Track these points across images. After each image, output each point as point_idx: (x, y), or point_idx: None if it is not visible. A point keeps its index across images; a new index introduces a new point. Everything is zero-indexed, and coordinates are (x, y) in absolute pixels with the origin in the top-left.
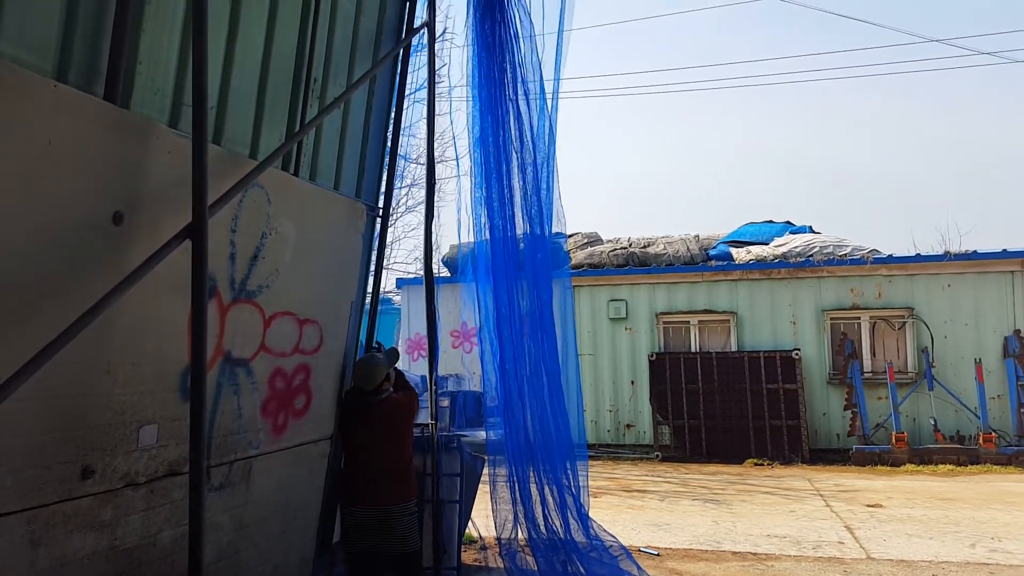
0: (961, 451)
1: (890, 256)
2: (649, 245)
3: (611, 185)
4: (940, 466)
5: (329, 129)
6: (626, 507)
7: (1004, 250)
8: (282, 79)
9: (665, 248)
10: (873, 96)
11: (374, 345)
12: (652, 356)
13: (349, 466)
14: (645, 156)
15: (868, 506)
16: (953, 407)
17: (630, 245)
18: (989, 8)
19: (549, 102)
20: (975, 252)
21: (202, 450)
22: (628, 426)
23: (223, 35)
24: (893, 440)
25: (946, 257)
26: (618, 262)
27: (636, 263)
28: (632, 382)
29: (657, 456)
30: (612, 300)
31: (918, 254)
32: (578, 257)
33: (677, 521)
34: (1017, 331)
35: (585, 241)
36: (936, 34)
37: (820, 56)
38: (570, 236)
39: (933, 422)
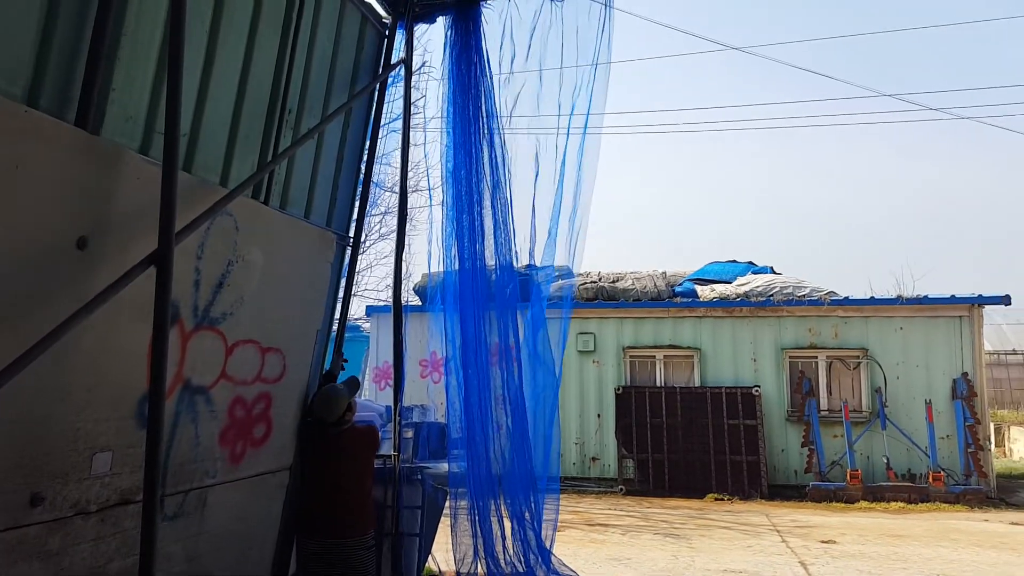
0: (912, 489)
1: (846, 298)
2: (618, 280)
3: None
4: (892, 503)
5: (302, 158)
6: (588, 541)
7: (953, 296)
8: (257, 109)
9: (633, 283)
10: (836, 144)
11: (343, 361)
12: (619, 389)
13: (307, 497)
14: (618, 192)
15: (822, 542)
16: (905, 446)
17: (600, 279)
18: (942, 70)
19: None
20: (926, 297)
21: (157, 478)
22: (593, 459)
23: (199, 64)
24: (848, 477)
25: (899, 301)
26: (588, 296)
27: (605, 297)
28: (598, 415)
29: (621, 490)
30: (581, 333)
31: (872, 297)
32: (548, 290)
33: (638, 555)
34: (964, 374)
35: (556, 274)
36: (891, 89)
37: (790, 104)
38: (542, 269)
39: (886, 460)
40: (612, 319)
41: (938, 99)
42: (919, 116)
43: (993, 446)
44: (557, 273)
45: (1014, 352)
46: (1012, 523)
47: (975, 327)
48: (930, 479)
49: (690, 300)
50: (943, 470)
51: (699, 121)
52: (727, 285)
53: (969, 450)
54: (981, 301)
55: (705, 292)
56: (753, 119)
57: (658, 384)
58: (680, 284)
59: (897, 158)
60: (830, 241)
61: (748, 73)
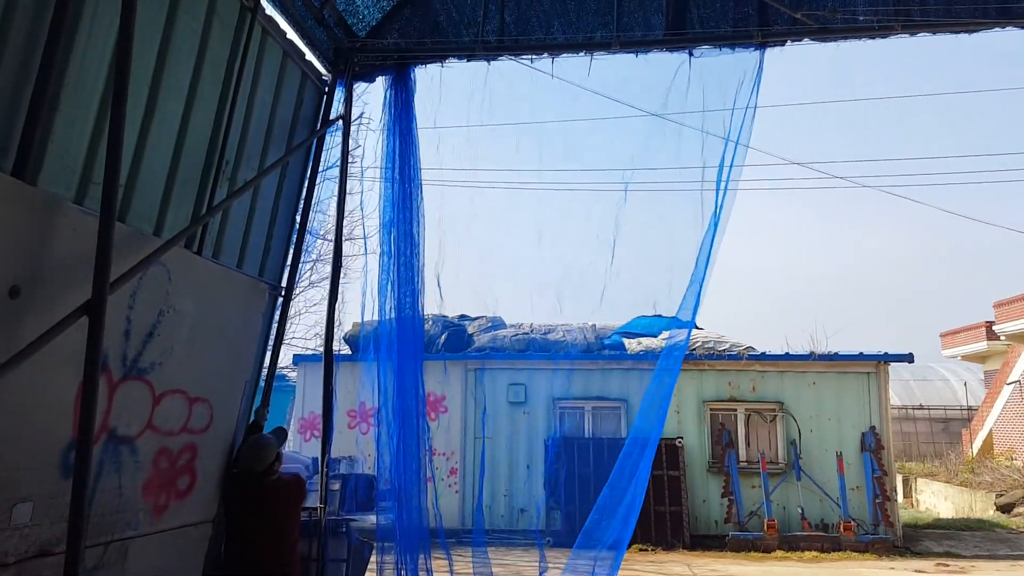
0: (825, 538)
1: (763, 353)
2: (549, 332)
3: (518, 271)
4: (806, 552)
5: (237, 209)
6: None
7: (861, 353)
8: (194, 160)
9: (564, 336)
10: (758, 208)
11: (252, 422)
12: (548, 441)
13: (230, 549)
14: (542, 246)
15: None
16: (818, 496)
17: (531, 331)
18: (847, 140)
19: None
20: (837, 354)
21: (82, 529)
22: (522, 511)
23: (139, 114)
24: (765, 527)
25: (811, 357)
26: (520, 347)
27: (537, 349)
28: (528, 466)
29: (548, 541)
30: (512, 384)
31: (787, 353)
32: (482, 340)
33: None
34: (872, 427)
35: (489, 324)
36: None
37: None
38: (475, 319)
39: (800, 510)
40: (543, 371)
41: (849, 168)
42: (830, 184)
43: (901, 497)
44: (490, 324)
45: (921, 407)
46: (916, 571)
47: (882, 383)
48: (841, 529)
49: (618, 353)
50: (853, 520)
51: (628, 180)
52: (653, 339)
53: (877, 501)
54: (887, 358)
55: (632, 345)
56: (676, 180)
57: (586, 435)
58: (609, 337)
59: (814, 223)
60: (750, 299)
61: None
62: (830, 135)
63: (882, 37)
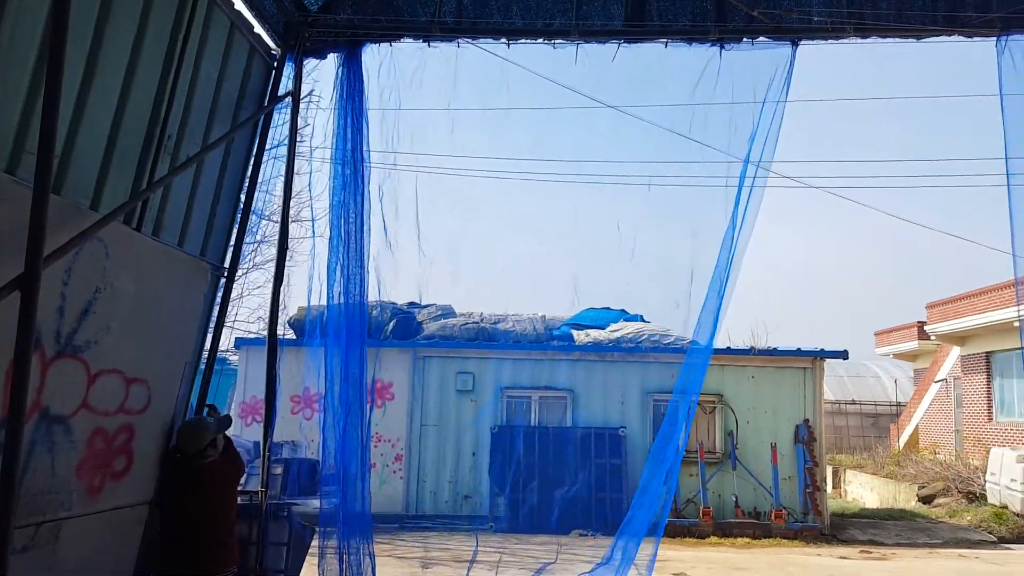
0: (757, 526)
1: None
2: (499, 321)
3: (472, 260)
4: (739, 539)
5: (179, 186)
6: None
7: (799, 349)
8: (134, 132)
9: (514, 325)
10: (708, 204)
11: (207, 407)
12: (494, 429)
13: (166, 532)
14: (495, 235)
15: (675, 574)
16: (752, 485)
17: (481, 320)
18: (798, 141)
19: None
20: (775, 349)
21: (11, 509)
22: (466, 497)
23: (76, 82)
24: (701, 514)
25: (751, 351)
26: (469, 336)
27: (486, 338)
28: (473, 454)
29: (491, 527)
30: (460, 372)
31: (728, 347)
32: (431, 328)
33: None
34: (806, 420)
35: (439, 313)
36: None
37: (670, 164)
38: (424, 307)
39: (735, 499)
40: (492, 359)
41: (800, 168)
42: (777, 183)
43: (830, 487)
44: (439, 312)
45: (853, 402)
46: (841, 557)
47: (817, 378)
48: (773, 516)
49: (566, 344)
50: (784, 508)
51: (583, 172)
52: (601, 331)
53: (807, 490)
54: (823, 355)
55: (580, 337)
56: (633, 175)
57: (532, 424)
58: (558, 328)
59: (763, 222)
60: (695, 295)
61: (630, 132)
62: (787, 135)
63: (835, 39)
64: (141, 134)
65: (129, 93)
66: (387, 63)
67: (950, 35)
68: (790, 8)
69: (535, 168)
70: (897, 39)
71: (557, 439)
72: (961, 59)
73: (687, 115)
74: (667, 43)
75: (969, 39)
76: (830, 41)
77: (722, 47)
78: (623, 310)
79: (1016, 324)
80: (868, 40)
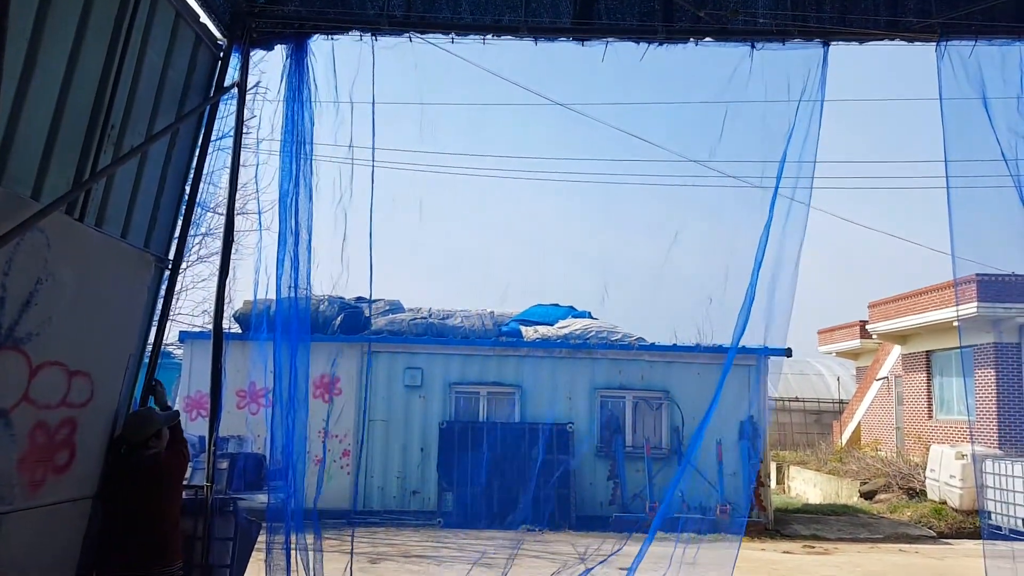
0: (703, 520)
1: (652, 344)
2: (448, 317)
3: (422, 255)
4: (684, 533)
5: (123, 176)
6: (404, 572)
7: (744, 347)
8: (77, 122)
9: (463, 321)
10: (652, 202)
11: (154, 381)
12: (443, 424)
13: (108, 526)
14: (443, 231)
15: (621, 568)
16: (698, 481)
17: (430, 316)
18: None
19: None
20: (721, 346)
21: None
22: (414, 492)
23: (17, 69)
24: (647, 509)
25: (697, 348)
26: (417, 331)
27: (435, 333)
28: (421, 449)
29: (439, 522)
30: (409, 368)
31: (675, 344)
32: (379, 323)
33: None
34: (751, 417)
35: (387, 308)
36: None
37: (615, 163)
38: (373, 302)
39: (681, 494)
40: (440, 355)
41: (747, 168)
42: (721, 183)
43: (774, 483)
44: (388, 307)
45: (796, 399)
46: (784, 551)
47: (762, 376)
48: (718, 512)
49: (515, 340)
50: (729, 504)
51: (525, 169)
52: (549, 327)
53: (752, 486)
54: (767, 353)
55: (529, 333)
56: (576, 172)
57: (481, 419)
58: (506, 324)
59: (703, 220)
60: (643, 291)
61: (574, 130)
62: (738, 135)
63: (780, 41)
64: (84, 124)
65: (72, 82)
66: (335, 56)
67: (892, 39)
68: (736, 10)
69: (490, 164)
70: (840, 42)
71: (505, 435)
72: (895, 63)
73: (638, 113)
74: (607, 43)
75: (910, 43)
76: (775, 43)
77: (826, 46)
78: (571, 307)
79: (955, 324)
80: (812, 43)
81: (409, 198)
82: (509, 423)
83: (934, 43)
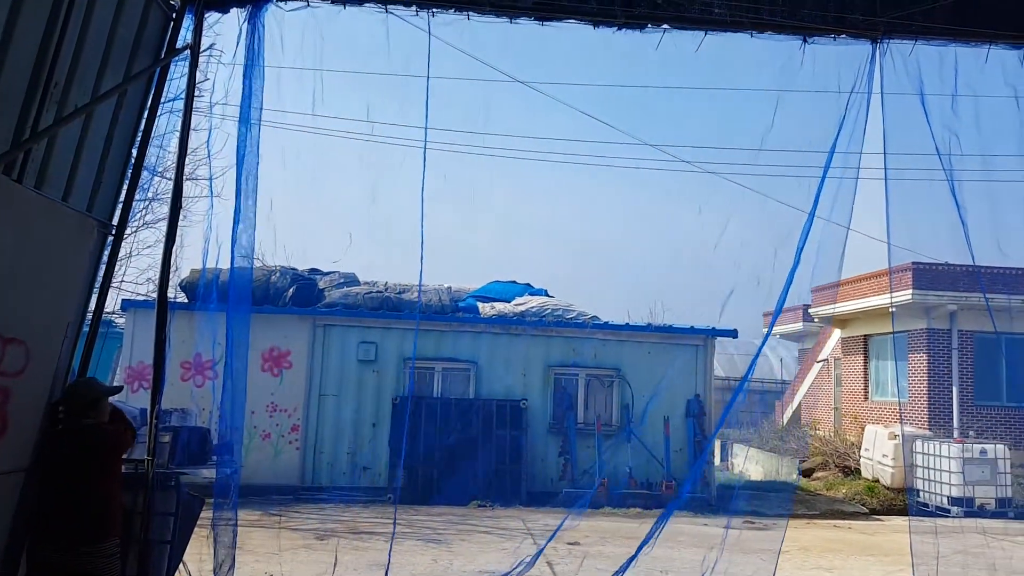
0: (648, 496)
1: (606, 323)
2: (404, 291)
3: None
4: (631, 508)
5: (66, 137)
6: (351, 548)
7: (692, 327)
8: (17, 78)
9: (419, 296)
10: (612, 184)
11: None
12: (396, 400)
13: (40, 500)
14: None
15: (569, 544)
16: (646, 457)
17: (386, 289)
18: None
19: None
20: (671, 326)
21: None
22: (365, 468)
23: None
24: (596, 485)
25: (648, 328)
26: (372, 305)
27: (390, 308)
28: (374, 425)
29: (389, 498)
30: (363, 342)
31: (627, 323)
32: (333, 296)
33: (399, 560)
34: (697, 395)
35: (342, 280)
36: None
37: (578, 143)
38: (327, 275)
39: (629, 470)
40: (395, 329)
41: (693, 153)
42: (676, 167)
43: (718, 460)
44: (342, 280)
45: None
46: (726, 527)
47: (708, 355)
48: (664, 487)
49: (471, 316)
50: (675, 480)
51: (493, 146)
52: (506, 304)
53: (697, 462)
54: (714, 333)
55: (486, 309)
56: (542, 151)
57: (435, 396)
58: (463, 300)
59: (659, 202)
60: (598, 271)
61: (539, 109)
62: (699, 122)
63: (733, 31)
64: (25, 80)
65: (12, 36)
66: (295, 22)
67: (839, 35)
68: None
69: (447, 139)
70: (790, 36)
71: (459, 410)
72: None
73: (601, 95)
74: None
75: (856, 40)
76: (729, 33)
77: (874, 44)
78: (528, 284)
79: (891, 310)
80: (764, 36)
81: (367, 168)
82: (463, 399)
83: (877, 41)
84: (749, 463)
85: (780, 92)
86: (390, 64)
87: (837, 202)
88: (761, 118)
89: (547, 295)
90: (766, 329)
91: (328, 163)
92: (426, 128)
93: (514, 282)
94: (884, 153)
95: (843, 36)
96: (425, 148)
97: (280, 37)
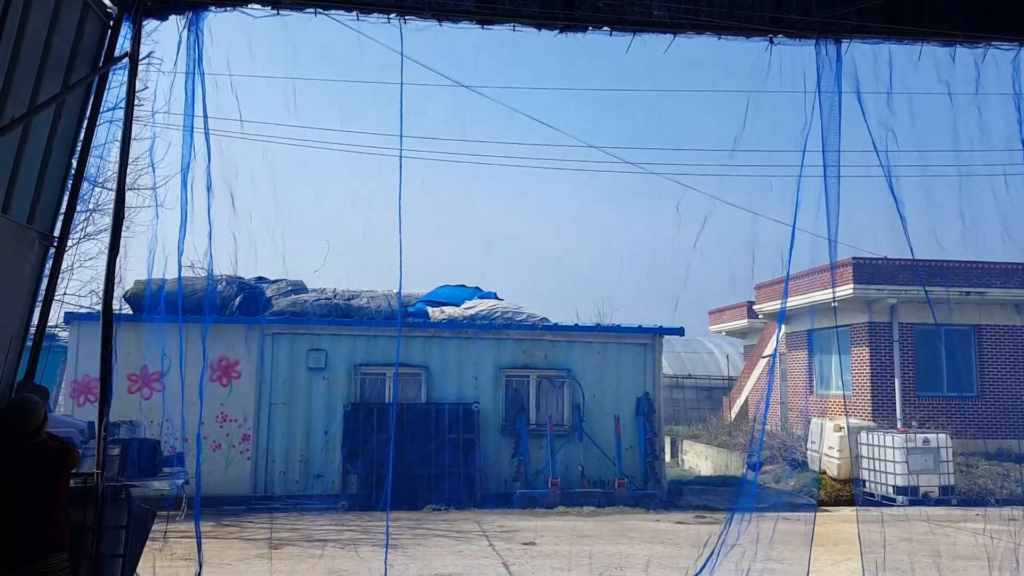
0: (601, 494)
1: (555, 324)
2: (353, 298)
3: (325, 234)
4: (584, 507)
5: (3, 149)
6: (307, 556)
7: (640, 326)
8: None
9: (368, 302)
10: (557, 187)
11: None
12: (347, 406)
13: None
14: (355, 211)
15: (524, 544)
16: (597, 456)
17: (334, 296)
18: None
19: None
20: (619, 326)
21: None
22: (318, 476)
23: None
24: (549, 485)
25: (597, 328)
26: (321, 312)
27: (339, 314)
28: (325, 432)
29: (343, 505)
30: (312, 350)
31: (576, 324)
32: (281, 304)
33: (355, 567)
34: (647, 393)
35: (289, 288)
36: (597, 142)
37: (523, 146)
38: (274, 283)
39: (581, 469)
40: (345, 336)
41: (636, 155)
42: (620, 168)
43: (668, 456)
44: (290, 287)
45: (689, 376)
46: (678, 522)
47: (656, 354)
48: (616, 485)
49: (421, 321)
50: (627, 477)
51: (425, 150)
52: (456, 308)
53: (648, 460)
54: (662, 332)
55: (435, 313)
56: (487, 155)
57: (387, 401)
58: (413, 305)
59: (604, 204)
60: (546, 273)
61: (484, 113)
62: (635, 123)
63: (673, 33)
64: None
65: None
66: (234, 29)
67: (776, 35)
68: (632, 1)
69: (384, 144)
70: (728, 36)
71: (411, 415)
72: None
73: (544, 98)
74: (514, 27)
75: (794, 40)
76: (668, 34)
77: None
78: (477, 287)
79: (833, 305)
80: (703, 35)
81: (311, 175)
82: (415, 403)
83: (813, 40)
84: (699, 459)
85: (750, 92)
86: (323, 68)
87: (785, 201)
88: (699, 121)
89: (496, 298)
90: (711, 326)
91: (271, 169)
92: (401, 136)
93: (463, 286)
94: (823, 151)
95: (780, 36)
96: (401, 157)
97: (248, 46)
